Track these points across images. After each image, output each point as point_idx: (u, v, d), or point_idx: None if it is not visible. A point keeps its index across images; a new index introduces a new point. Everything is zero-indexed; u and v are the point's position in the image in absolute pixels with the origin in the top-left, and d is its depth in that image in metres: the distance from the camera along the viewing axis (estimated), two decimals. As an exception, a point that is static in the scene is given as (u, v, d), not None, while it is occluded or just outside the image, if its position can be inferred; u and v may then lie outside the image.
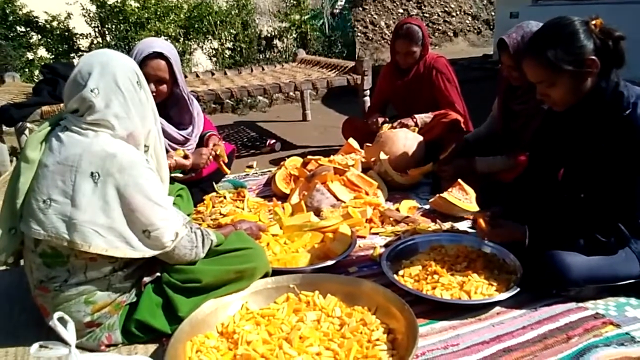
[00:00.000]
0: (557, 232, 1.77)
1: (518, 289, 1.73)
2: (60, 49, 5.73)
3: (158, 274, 1.62)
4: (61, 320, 1.25)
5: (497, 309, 1.72)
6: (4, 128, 3.09)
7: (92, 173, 1.40)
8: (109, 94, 1.45)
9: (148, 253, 1.50)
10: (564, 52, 1.62)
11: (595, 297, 1.75)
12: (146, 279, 1.61)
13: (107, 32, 5.92)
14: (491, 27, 9.97)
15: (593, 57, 1.61)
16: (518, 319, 1.67)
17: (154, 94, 2.23)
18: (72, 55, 5.81)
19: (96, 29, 5.89)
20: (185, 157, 2.45)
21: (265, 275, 1.78)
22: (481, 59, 7.96)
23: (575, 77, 1.64)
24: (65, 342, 1.24)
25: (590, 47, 1.61)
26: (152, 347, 1.60)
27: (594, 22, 1.63)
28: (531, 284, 1.76)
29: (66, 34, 5.76)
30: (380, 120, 3.28)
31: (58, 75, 3.28)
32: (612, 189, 1.67)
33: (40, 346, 1.22)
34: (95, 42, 5.89)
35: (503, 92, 2.60)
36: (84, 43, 5.90)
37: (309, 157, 3.05)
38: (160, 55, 2.26)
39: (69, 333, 1.24)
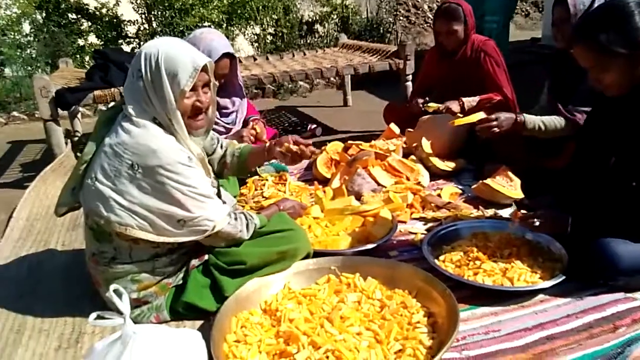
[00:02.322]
0: (606, 221, 1.72)
1: (563, 277, 1.69)
2: (109, 36, 5.92)
3: (206, 257, 1.68)
4: (116, 292, 1.33)
5: (541, 296, 1.70)
6: (59, 112, 3.23)
7: (132, 164, 1.47)
8: (151, 77, 1.50)
9: (183, 238, 1.56)
10: (618, 35, 1.56)
11: (645, 288, 1.70)
12: (194, 262, 1.67)
13: (153, 19, 6.06)
14: (540, 9, 9.58)
15: None
16: (562, 308, 1.64)
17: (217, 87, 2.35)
18: (120, 41, 5.99)
19: (143, 16, 6.04)
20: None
21: (307, 257, 1.82)
22: (529, 42, 7.67)
23: (629, 60, 1.58)
24: (120, 313, 1.32)
25: None
26: (198, 323, 1.67)
27: None
28: (577, 273, 1.72)
29: (114, 20, 5.94)
30: (424, 100, 3.21)
31: (109, 60, 3.40)
32: None
33: (98, 316, 1.30)
34: (142, 28, 6.04)
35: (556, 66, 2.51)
36: (131, 29, 6.07)
37: (350, 142, 3.05)
38: (226, 55, 2.37)
39: (123, 304, 1.31)
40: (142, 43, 6.01)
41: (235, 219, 1.66)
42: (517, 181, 2.46)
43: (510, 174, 2.50)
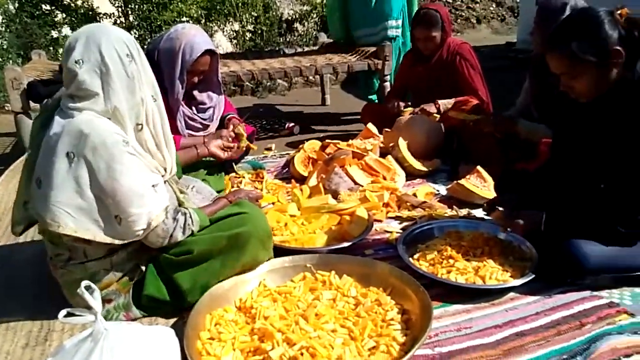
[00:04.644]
0: (576, 222, 1.77)
1: (533, 276, 1.74)
2: (84, 28, 5.80)
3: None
4: (88, 288, 1.30)
5: (511, 294, 1.74)
6: (31, 104, 3.16)
7: (67, 153, 1.38)
8: (90, 64, 1.39)
9: (117, 241, 1.47)
10: (589, 44, 1.60)
11: (610, 287, 1.75)
12: (144, 262, 1.62)
13: (130, 12, 5.97)
14: (515, 14, 9.77)
15: (618, 48, 1.59)
16: (532, 305, 1.68)
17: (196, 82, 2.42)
18: (95, 34, 5.87)
19: (119, 9, 5.95)
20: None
21: (264, 243, 1.72)
22: (504, 46, 7.82)
23: (599, 68, 1.63)
24: (91, 309, 1.30)
25: (615, 37, 1.59)
26: (172, 320, 1.65)
27: (619, 11, 1.61)
28: (546, 272, 1.77)
29: (90, 13, 5.83)
30: (402, 104, 3.28)
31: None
32: (633, 181, 1.66)
33: (68, 313, 1.27)
34: (118, 21, 5.95)
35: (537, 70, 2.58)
36: (107, 22, 5.96)
37: (327, 140, 3.07)
38: (207, 51, 2.36)
39: (95, 300, 1.29)
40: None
41: (174, 219, 1.56)
42: (491, 182, 2.51)
43: (484, 174, 2.55)
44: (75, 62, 1.39)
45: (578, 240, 1.72)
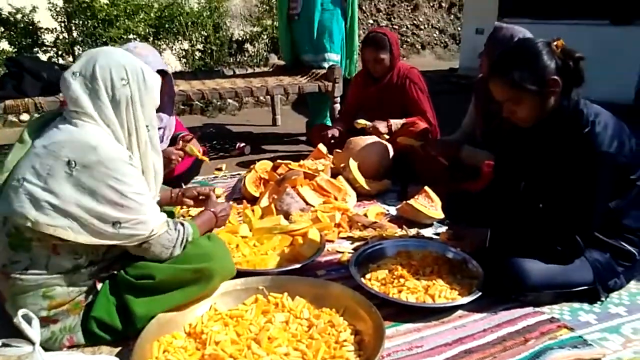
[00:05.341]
0: (518, 240, 1.85)
1: (479, 294, 1.79)
2: (24, 43, 5.54)
3: (115, 272, 1.60)
4: (25, 317, 1.23)
5: (460, 312, 1.79)
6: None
7: (69, 161, 1.40)
8: (86, 79, 1.46)
9: (115, 241, 1.48)
10: (529, 73, 1.70)
11: (551, 303, 1.83)
12: (104, 275, 1.59)
13: (74, 28, 5.77)
14: (457, 41, 10.24)
15: (555, 77, 1.70)
16: (479, 322, 1.73)
17: None
18: (35, 49, 5.63)
19: (62, 24, 5.74)
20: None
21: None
22: (447, 72, 8.16)
23: (539, 96, 1.73)
24: (29, 340, 1.22)
25: (553, 67, 1.70)
26: (117, 349, 1.58)
27: (555, 43, 1.73)
28: (492, 289, 1.83)
29: (30, 27, 5.58)
30: (336, 133, 3.38)
31: (24, 69, 3.19)
32: (569, 202, 1.75)
33: (3, 344, 1.19)
34: (61, 37, 5.73)
35: (483, 92, 2.70)
36: (49, 37, 5.73)
37: (279, 161, 3.07)
38: (160, 72, 2.28)
39: (33, 330, 1.22)
40: (60, 52, 5.69)
41: (175, 229, 1.61)
42: (438, 202, 2.59)
43: (431, 194, 2.63)
44: (73, 73, 1.48)
45: (520, 258, 1.79)
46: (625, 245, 1.84)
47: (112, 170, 1.43)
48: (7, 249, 1.47)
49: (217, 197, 2.50)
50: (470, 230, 2.00)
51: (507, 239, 1.87)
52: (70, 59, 5.78)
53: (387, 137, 3.21)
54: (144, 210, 1.50)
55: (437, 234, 2.37)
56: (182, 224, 1.66)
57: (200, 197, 2.07)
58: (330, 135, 3.39)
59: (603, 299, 1.85)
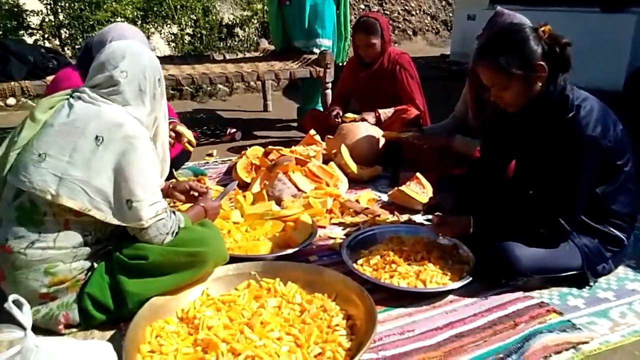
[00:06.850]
0: (505, 225, 1.86)
1: (470, 279, 1.81)
2: (9, 25, 5.43)
3: (112, 250, 1.61)
4: (17, 303, 1.22)
5: (451, 297, 1.80)
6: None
7: (96, 136, 1.49)
8: (134, 79, 1.59)
9: (125, 222, 1.54)
10: (515, 58, 1.70)
11: (541, 287, 1.86)
12: (100, 254, 1.61)
13: (60, 10, 5.66)
14: (449, 27, 10.20)
15: (541, 62, 1.70)
16: (469, 307, 1.75)
17: None
18: (21, 32, 5.52)
19: (48, 6, 5.62)
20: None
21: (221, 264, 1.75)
22: (439, 58, 8.14)
23: (525, 81, 1.73)
24: (20, 325, 1.21)
25: (539, 53, 1.70)
26: (109, 333, 1.58)
27: (542, 28, 1.73)
28: (482, 274, 1.85)
29: (15, 10, 5.47)
30: (340, 112, 3.34)
31: (9, 52, 3.12)
32: (553, 185, 1.77)
33: (-6, 330, 1.18)
34: (47, 19, 5.62)
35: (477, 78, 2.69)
36: (34, 20, 5.61)
37: (270, 147, 3.05)
38: None
39: (25, 316, 1.20)
40: (46, 35, 5.58)
41: (170, 218, 1.63)
42: (429, 188, 2.60)
43: (423, 181, 2.63)
44: (122, 72, 1.58)
45: (511, 243, 1.81)
46: (614, 230, 1.86)
47: (136, 146, 1.51)
48: (14, 223, 1.48)
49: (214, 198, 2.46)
50: (452, 218, 1.99)
51: (493, 223, 1.88)
52: (57, 42, 5.68)
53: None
54: (158, 194, 1.58)
55: (429, 220, 2.38)
56: (174, 213, 1.67)
57: (192, 193, 2.07)
58: (335, 113, 3.35)
59: (592, 283, 1.88)
